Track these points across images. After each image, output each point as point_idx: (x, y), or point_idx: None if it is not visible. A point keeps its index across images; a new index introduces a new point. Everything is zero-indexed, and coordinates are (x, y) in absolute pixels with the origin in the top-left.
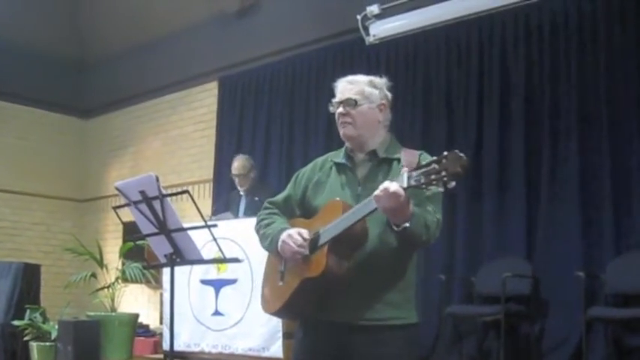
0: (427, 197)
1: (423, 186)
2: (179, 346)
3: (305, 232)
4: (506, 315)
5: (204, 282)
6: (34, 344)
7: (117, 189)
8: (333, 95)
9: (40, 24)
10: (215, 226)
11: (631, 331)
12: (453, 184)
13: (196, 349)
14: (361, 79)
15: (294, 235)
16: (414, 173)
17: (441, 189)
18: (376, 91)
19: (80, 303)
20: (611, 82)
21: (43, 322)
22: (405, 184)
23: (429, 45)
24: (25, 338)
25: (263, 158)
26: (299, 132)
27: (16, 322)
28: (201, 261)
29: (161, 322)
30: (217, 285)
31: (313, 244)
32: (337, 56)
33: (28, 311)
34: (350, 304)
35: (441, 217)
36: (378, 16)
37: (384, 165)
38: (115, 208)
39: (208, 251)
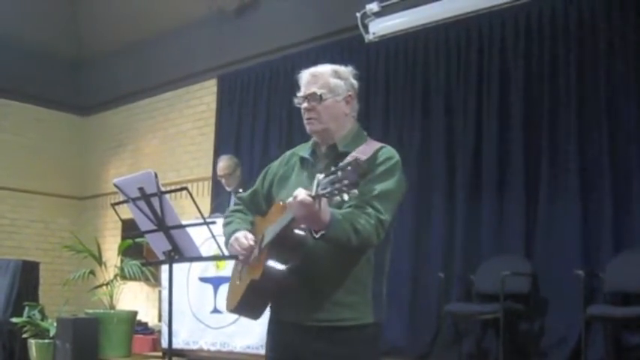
0: (374, 196)
1: (327, 195)
2: (178, 344)
3: (251, 237)
4: (505, 313)
5: (203, 279)
6: (32, 342)
7: (115, 186)
8: None
9: (39, 21)
10: (214, 223)
11: (630, 330)
12: (355, 192)
13: (195, 347)
14: (325, 70)
15: (241, 239)
16: (323, 181)
17: (345, 197)
18: (342, 83)
19: (79, 300)
20: (610, 80)
21: (42, 320)
22: (313, 193)
23: (428, 43)
24: (24, 336)
25: (261, 156)
26: (297, 130)
27: (14, 320)
28: (199, 258)
29: (160, 320)
30: (216, 282)
31: (260, 245)
32: (336, 54)
33: (26, 309)
34: (299, 305)
35: (389, 216)
36: (378, 14)
37: (342, 159)
38: (114, 205)
39: (207, 249)
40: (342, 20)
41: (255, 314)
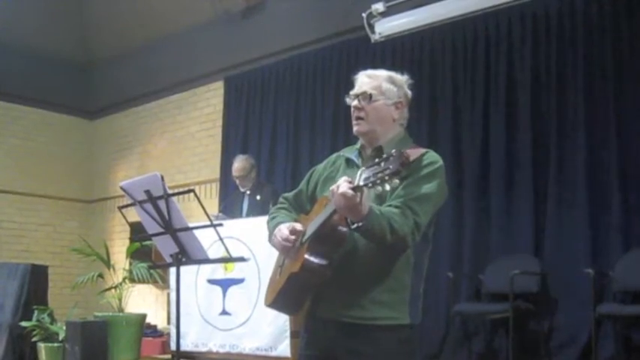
0: (414, 198)
1: (370, 185)
2: (187, 346)
3: (296, 226)
4: (514, 313)
5: (212, 281)
6: (42, 345)
7: (122, 189)
8: (338, 93)
9: (46, 25)
10: (220, 225)
11: None
12: (397, 181)
13: (204, 349)
14: (381, 73)
15: (283, 230)
16: (365, 172)
17: (387, 187)
18: (394, 88)
19: (88, 303)
20: (618, 78)
21: (51, 323)
22: (356, 183)
23: (434, 42)
24: (33, 339)
25: (269, 157)
26: (305, 130)
27: (24, 324)
28: (206, 260)
29: (169, 322)
30: (224, 284)
31: (302, 239)
32: (343, 54)
33: (35, 312)
34: (336, 301)
35: (426, 219)
36: (384, 14)
37: None
38: (121, 208)
39: (215, 251)
40: (348, 20)
41: (291, 309)
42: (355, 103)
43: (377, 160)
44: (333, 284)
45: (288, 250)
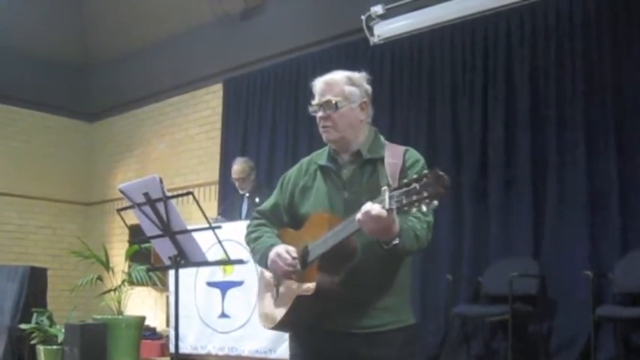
0: None
1: (405, 208)
2: (186, 349)
3: (293, 250)
4: (513, 315)
5: (211, 284)
6: (41, 348)
7: (120, 191)
8: None
9: (45, 28)
10: (219, 227)
11: (639, 331)
12: (435, 204)
13: (203, 352)
14: (339, 77)
15: (283, 254)
16: (396, 193)
17: (424, 209)
18: (356, 90)
19: (87, 306)
20: (617, 80)
21: (50, 326)
22: (387, 206)
23: (433, 45)
24: (32, 342)
25: (268, 160)
26: (304, 133)
27: (23, 326)
28: (205, 263)
29: (168, 325)
30: (223, 287)
31: (303, 260)
32: (342, 57)
33: (34, 315)
34: (345, 314)
35: (432, 217)
36: (383, 17)
37: (367, 166)
38: (120, 210)
39: (214, 253)
40: (347, 23)
41: (299, 328)
42: (321, 114)
43: (406, 180)
44: (342, 299)
45: (285, 273)
